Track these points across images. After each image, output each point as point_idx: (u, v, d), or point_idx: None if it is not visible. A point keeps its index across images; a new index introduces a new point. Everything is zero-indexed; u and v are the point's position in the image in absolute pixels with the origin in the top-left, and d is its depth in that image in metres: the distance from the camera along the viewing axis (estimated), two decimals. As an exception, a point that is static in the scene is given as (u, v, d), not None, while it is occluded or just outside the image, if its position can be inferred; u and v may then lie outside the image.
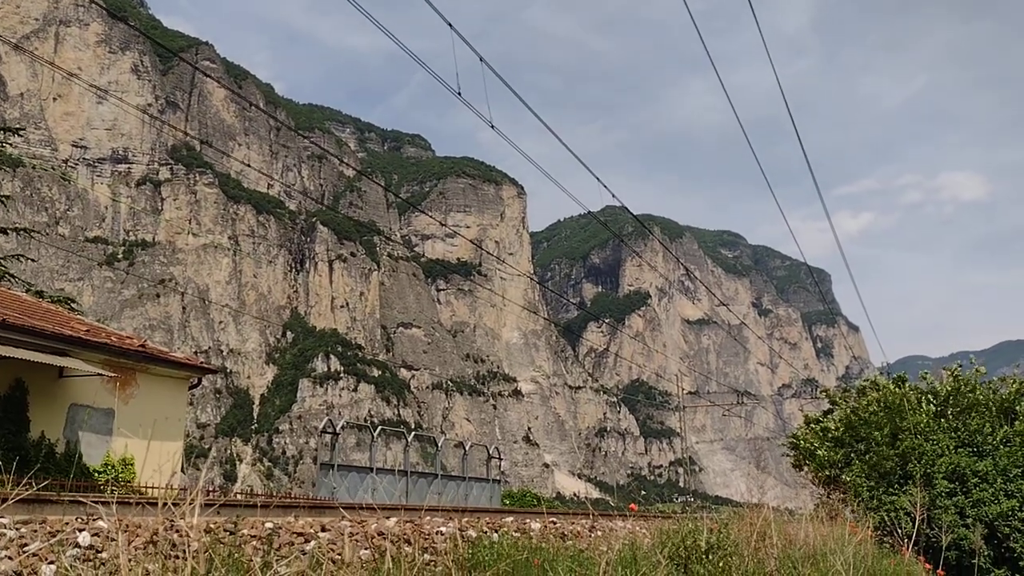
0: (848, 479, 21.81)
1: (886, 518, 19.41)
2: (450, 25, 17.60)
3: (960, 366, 25.00)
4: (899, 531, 17.41)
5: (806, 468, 24.17)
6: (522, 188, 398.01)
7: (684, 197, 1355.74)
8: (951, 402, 23.19)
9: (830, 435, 23.70)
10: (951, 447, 21.36)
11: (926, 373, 25.52)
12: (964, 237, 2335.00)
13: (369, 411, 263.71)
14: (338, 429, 32.43)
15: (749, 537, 12.62)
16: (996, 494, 20.23)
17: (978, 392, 23.17)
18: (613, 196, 25.19)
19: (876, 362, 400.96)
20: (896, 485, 21.11)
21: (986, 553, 19.48)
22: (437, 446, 39.96)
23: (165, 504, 6.37)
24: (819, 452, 23.22)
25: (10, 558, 7.53)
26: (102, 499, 6.58)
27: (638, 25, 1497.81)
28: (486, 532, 13.82)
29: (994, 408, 22.72)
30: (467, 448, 41.14)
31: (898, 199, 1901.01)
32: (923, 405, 22.89)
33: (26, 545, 7.83)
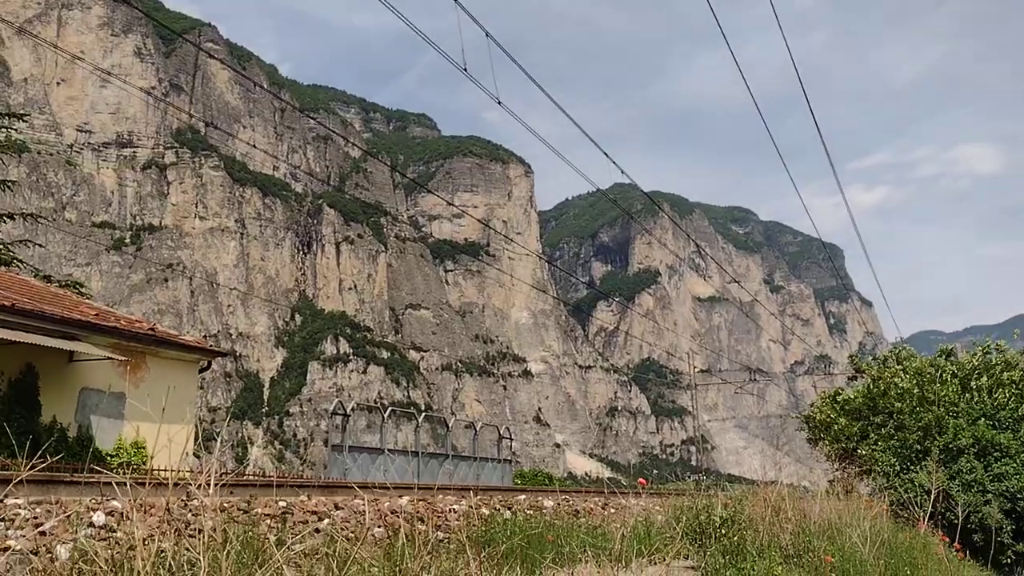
0: (864, 452, 21.67)
1: (902, 492, 19.30)
2: (456, 1, 17.38)
3: (990, 342, 24.73)
4: (915, 505, 17.30)
5: (821, 443, 24.02)
6: (529, 167, 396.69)
7: (694, 174, 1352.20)
8: (975, 375, 22.98)
9: (848, 407, 23.52)
10: (972, 420, 21.23)
11: (947, 347, 25.20)
12: (980, 210, 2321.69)
13: (379, 393, 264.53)
14: (348, 411, 32.41)
15: (763, 513, 12.56)
16: (1019, 468, 20.11)
17: (1001, 370, 22.97)
18: (622, 172, 24.91)
19: (890, 338, 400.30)
20: (914, 458, 20.98)
21: (1008, 528, 19.38)
22: (448, 427, 39.99)
23: (177, 484, 6.32)
24: (836, 423, 23.02)
25: (25, 538, 7.51)
26: (116, 478, 6.55)
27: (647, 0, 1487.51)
28: (499, 510, 13.81)
29: (1018, 382, 22.55)
30: (477, 429, 41.14)
31: (913, 172, 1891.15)
32: (947, 377, 22.70)
33: (41, 525, 7.81)
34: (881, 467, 21.05)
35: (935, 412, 21.23)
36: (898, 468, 20.94)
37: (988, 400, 21.92)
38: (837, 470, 22.66)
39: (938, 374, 23.04)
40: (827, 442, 23.58)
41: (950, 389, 22.20)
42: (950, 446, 20.69)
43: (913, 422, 21.37)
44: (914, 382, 22.55)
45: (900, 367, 23.75)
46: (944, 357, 24.56)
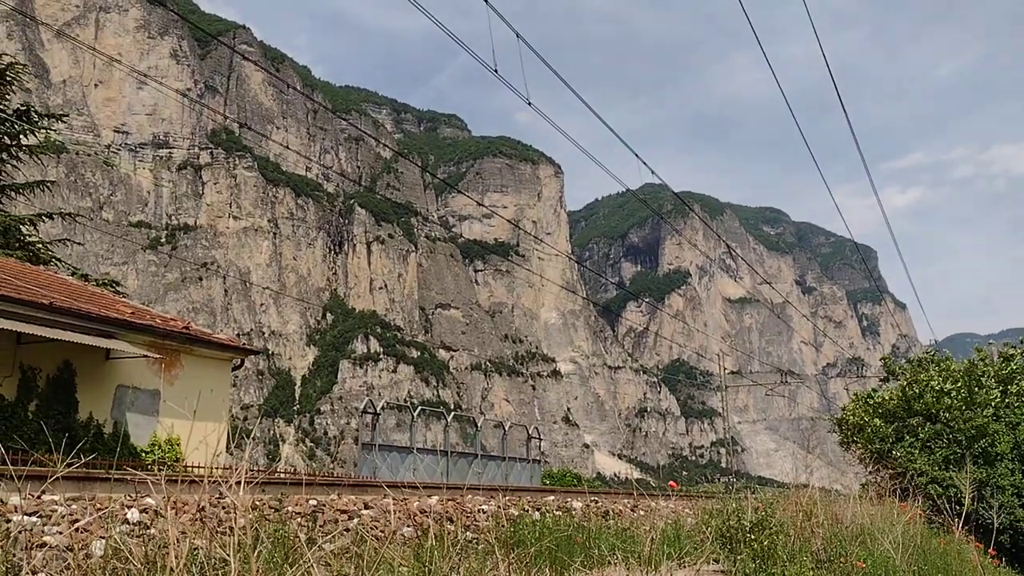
0: (899, 454, 21.37)
1: (936, 497, 19.02)
2: (486, 1, 17.40)
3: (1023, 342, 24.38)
4: (950, 509, 17.04)
5: (854, 445, 23.73)
6: (559, 167, 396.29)
7: (725, 174, 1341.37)
8: (1013, 380, 22.61)
9: (882, 408, 23.22)
10: (1013, 425, 20.89)
11: (980, 348, 24.85)
12: (1017, 212, 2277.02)
13: (409, 392, 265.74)
14: (378, 410, 32.57)
15: (795, 517, 12.45)
16: None
17: None
18: (652, 173, 24.77)
19: (924, 340, 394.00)
20: (953, 462, 20.66)
21: None
22: (477, 427, 40.06)
23: (212, 482, 6.40)
24: (870, 425, 22.73)
25: (61, 534, 7.64)
26: (151, 476, 6.66)
27: None
28: (528, 511, 13.80)
29: None
30: (506, 428, 41.17)
31: (948, 173, 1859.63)
32: (987, 381, 22.37)
33: (76, 521, 7.94)
34: (916, 469, 20.75)
35: (982, 416, 20.89)
36: (935, 472, 20.63)
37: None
38: (870, 473, 22.38)
39: (980, 377, 22.72)
40: (860, 444, 23.29)
41: (992, 393, 21.87)
42: (988, 450, 20.37)
43: (962, 423, 21.00)
44: (960, 384, 22.21)
45: (937, 371, 23.43)
46: (984, 362, 24.22)
